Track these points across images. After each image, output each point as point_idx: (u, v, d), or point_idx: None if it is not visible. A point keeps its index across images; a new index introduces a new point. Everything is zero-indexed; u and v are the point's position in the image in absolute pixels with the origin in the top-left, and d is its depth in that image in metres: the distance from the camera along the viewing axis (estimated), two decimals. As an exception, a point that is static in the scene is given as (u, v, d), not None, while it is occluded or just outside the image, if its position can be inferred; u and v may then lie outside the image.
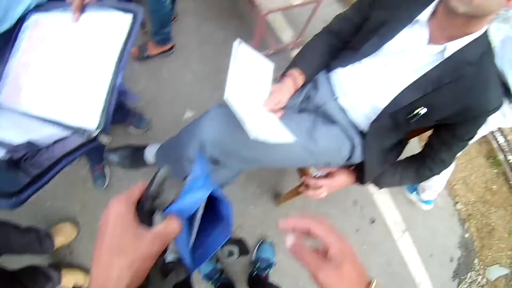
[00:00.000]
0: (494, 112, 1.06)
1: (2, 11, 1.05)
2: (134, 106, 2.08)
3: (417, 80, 1.07)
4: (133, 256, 0.41)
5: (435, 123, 1.14)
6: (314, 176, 1.43)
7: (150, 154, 1.68)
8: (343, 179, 1.39)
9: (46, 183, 0.83)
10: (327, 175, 1.40)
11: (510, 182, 2.72)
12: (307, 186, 1.42)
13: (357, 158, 1.30)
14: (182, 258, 0.54)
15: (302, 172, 1.48)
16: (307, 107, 1.33)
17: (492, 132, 2.81)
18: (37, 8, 1.09)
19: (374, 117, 1.19)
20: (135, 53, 2.33)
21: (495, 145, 2.79)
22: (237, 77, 1.03)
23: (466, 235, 2.42)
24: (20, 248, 1.45)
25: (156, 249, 0.43)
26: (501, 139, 2.79)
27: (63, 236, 1.71)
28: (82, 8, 1.02)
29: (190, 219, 0.54)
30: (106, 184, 1.88)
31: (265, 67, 1.19)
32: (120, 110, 1.88)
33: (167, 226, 0.45)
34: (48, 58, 1.05)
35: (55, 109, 1.02)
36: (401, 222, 2.23)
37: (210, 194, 0.53)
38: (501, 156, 2.76)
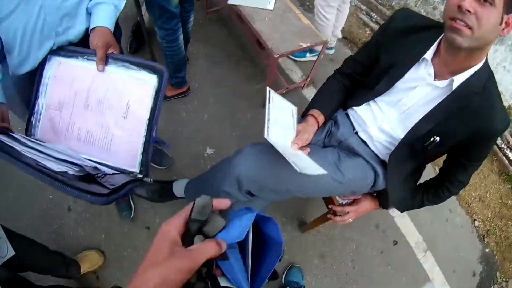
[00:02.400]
0: (503, 132, 1.17)
1: (24, 52, 1.08)
2: (155, 145, 2.18)
3: (429, 111, 1.19)
4: (164, 268, 0.43)
5: (449, 148, 1.25)
6: (341, 204, 1.54)
7: (178, 188, 1.78)
8: (368, 205, 1.51)
9: (121, 196, 0.91)
10: (353, 202, 1.52)
11: (524, 195, 2.75)
12: (334, 213, 1.52)
13: (380, 185, 1.41)
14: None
15: (328, 201, 1.58)
16: (330, 142, 1.45)
17: (501, 149, 2.87)
18: (58, 51, 1.13)
19: (393, 147, 1.30)
20: None
21: (506, 162, 2.83)
22: (272, 119, 1.15)
23: (487, 250, 2.46)
24: (46, 269, 1.49)
25: (186, 265, 0.44)
26: (511, 155, 2.84)
27: (89, 263, 1.77)
28: (106, 59, 1.07)
29: (242, 247, 0.56)
30: (132, 215, 1.95)
31: (291, 109, 1.32)
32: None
33: (203, 246, 0.47)
34: (81, 102, 1.10)
35: (97, 151, 1.10)
36: (422, 242, 2.28)
37: (254, 220, 0.55)
38: (512, 172, 2.81)
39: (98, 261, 1.82)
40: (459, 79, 1.11)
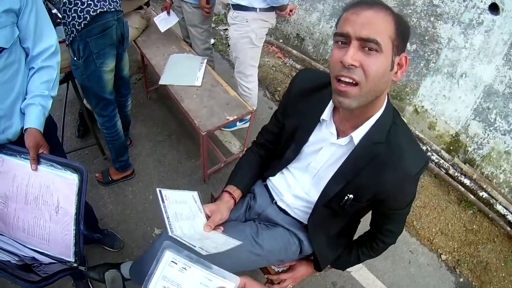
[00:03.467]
0: (421, 173, 1.09)
1: None
2: (106, 228, 2.22)
3: (337, 171, 1.15)
4: None
5: (368, 202, 1.18)
6: (277, 272, 1.50)
7: (125, 270, 1.73)
8: (304, 269, 1.48)
9: (52, 282, 1.00)
10: (288, 269, 1.49)
11: (490, 215, 2.73)
12: (272, 283, 1.48)
13: (307, 250, 1.39)
14: None
15: (264, 270, 1.55)
16: (250, 216, 1.44)
17: (455, 178, 2.90)
18: (1, 149, 1.22)
19: (310, 211, 1.28)
20: (99, 177, 2.53)
21: (462, 189, 2.85)
22: (172, 215, 1.14)
23: (461, 279, 2.41)
24: None
25: None
26: (466, 181, 2.85)
27: None
28: (37, 159, 1.17)
29: None
30: None
31: (191, 197, 1.30)
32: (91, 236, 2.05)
33: None
34: (22, 196, 1.20)
35: (39, 242, 1.21)
36: (387, 290, 2.21)
37: None
38: (471, 197, 2.81)
39: None
40: (358, 134, 1.06)
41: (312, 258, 1.48)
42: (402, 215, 1.24)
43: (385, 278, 2.27)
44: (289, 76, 3.60)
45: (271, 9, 2.37)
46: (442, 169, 2.97)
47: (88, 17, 1.73)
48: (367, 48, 0.86)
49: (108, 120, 2.16)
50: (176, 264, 0.55)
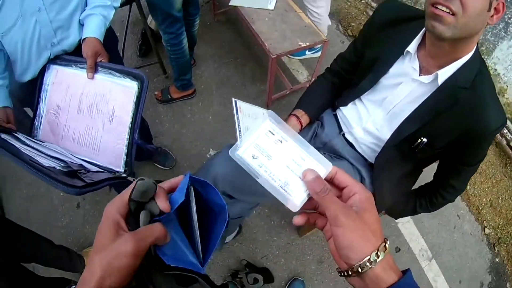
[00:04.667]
0: (499, 131, 1.05)
1: (25, 62, 1.20)
2: (160, 146, 2.24)
3: (414, 111, 1.10)
4: (108, 253, 0.41)
5: (440, 150, 1.14)
6: None
7: None
8: None
9: (96, 189, 0.97)
10: None
11: (543, 199, 2.62)
12: None
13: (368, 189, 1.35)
14: (187, 266, 0.51)
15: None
16: (315, 144, 1.39)
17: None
18: (55, 60, 1.23)
19: (379, 149, 1.23)
20: (158, 95, 2.55)
21: (521, 165, 2.71)
22: (243, 129, 1.13)
23: (497, 259, 2.35)
24: (50, 261, 1.58)
25: (131, 248, 0.42)
26: (527, 158, 2.71)
27: None
28: (95, 67, 1.16)
29: (186, 221, 0.54)
30: None
31: (262, 115, 1.28)
32: (145, 150, 2.07)
33: (147, 228, 0.46)
34: (75, 106, 1.20)
35: (88, 151, 1.20)
36: (427, 250, 2.20)
37: (197, 192, 0.54)
38: (528, 175, 2.68)
39: None
40: (444, 74, 1.01)
41: None
42: (469, 172, 1.19)
43: (429, 237, 2.24)
44: (364, 12, 3.40)
45: None
46: (505, 139, 2.79)
47: None
48: None
49: (174, 38, 2.11)
50: (274, 135, 0.52)
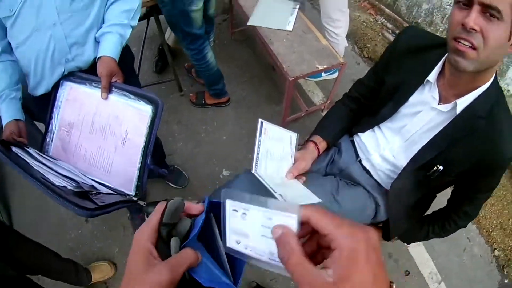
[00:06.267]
0: None
1: (38, 75, 1.20)
2: (172, 164, 2.25)
3: (432, 138, 1.11)
4: (142, 283, 0.41)
5: (455, 178, 1.15)
6: None
7: None
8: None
9: (107, 212, 0.95)
10: None
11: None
12: None
13: (382, 216, 1.37)
14: (222, 286, 0.51)
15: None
16: (332, 170, 1.41)
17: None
18: (69, 76, 1.21)
19: (395, 176, 1.25)
20: (193, 98, 2.60)
21: (532, 188, 2.71)
22: (263, 152, 1.13)
23: (506, 281, 2.33)
24: (57, 274, 1.59)
25: (166, 278, 0.41)
26: (538, 180, 2.70)
27: (100, 273, 1.86)
28: (109, 88, 1.14)
29: (210, 242, 0.54)
30: None
31: (289, 138, 1.26)
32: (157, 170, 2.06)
33: (180, 256, 0.45)
34: (87, 125, 1.18)
35: (100, 173, 1.17)
36: (436, 273, 2.20)
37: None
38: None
39: (109, 272, 1.90)
40: (463, 102, 1.03)
41: (382, 225, 1.47)
42: (482, 199, 1.20)
43: (439, 260, 2.24)
44: (379, 34, 3.42)
45: None
46: (516, 162, 2.79)
47: None
48: (488, 14, 0.83)
49: (197, 53, 2.15)
50: (237, 211, 0.50)
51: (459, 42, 0.88)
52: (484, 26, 0.84)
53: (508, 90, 2.89)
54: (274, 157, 1.17)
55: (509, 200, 2.69)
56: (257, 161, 1.09)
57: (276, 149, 1.18)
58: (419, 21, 3.39)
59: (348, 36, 2.68)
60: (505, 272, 2.36)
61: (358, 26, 3.43)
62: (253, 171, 1.07)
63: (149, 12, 2.14)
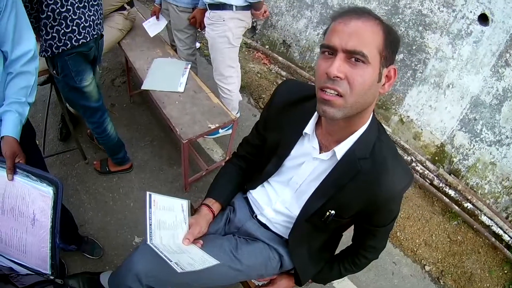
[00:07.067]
0: (405, 191, 1.08)
1: None
2: (86, 235, 2.18)
3: (318, 186, 1.12)
4: None
5: (352, 218, 1.16)
6: (257, 286, 1.47)
7: (104, 280, 1.68)
8: (285, 283, 1.44)
9: None
10: (269, 283, 1.45)
11: (474, 226, 2.73)
12: None
13: (288, 265, 1.36)
14: None
15: (244, 284, 1.51)
16: (230, 229, 1.39)
17: (440, 189, 2.88)
18: None
19: (291, 226, 1.25)
20: (97, 166, 2.55)
21: (447, 200, 2.83)
22: (155, 223, 1.13)
23: None
24: None
25: None
26: (451, 192, 2.83)
27: None
28: (14, 169, 1.13)
29: None
30: None
31: (180, 206, 1.27)
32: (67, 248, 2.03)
33: None
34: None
35: (16, 253, 1.19)
36: (370, 303, 2.18)
37: None
38: (456, 208, 2.79)
39: None
40: (341, 149, 1.03)
41: (293, 272, 1.44)
42: (386, 231, 1.21)
43: (368, 290, 2.24)
44: (274, 83, 3.56)
45: (247, 8, 2.41)
46: (427, 180, 2.94)
47: (69, 45, 1.69)
48: (353, 59, 0.84)
49: (97, 127, 2.15)
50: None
51: (325, 91, 0.87)
52: (350, 72, 0.84)
53: (408, 116, 3.09)
54: (167, 226, 1.18)
55: (428, 217, 2.81)
56: (150, 233, 1.11)
57: (168, 218, 1.20)
58: (312, 64, 3.60)
59: (243, 89, 2.77)
60: (441, 283, 2.44)
61: (252, 77, 3.56)
62: (148, 242, 1.07)
63: (49, 79, 2.12)
